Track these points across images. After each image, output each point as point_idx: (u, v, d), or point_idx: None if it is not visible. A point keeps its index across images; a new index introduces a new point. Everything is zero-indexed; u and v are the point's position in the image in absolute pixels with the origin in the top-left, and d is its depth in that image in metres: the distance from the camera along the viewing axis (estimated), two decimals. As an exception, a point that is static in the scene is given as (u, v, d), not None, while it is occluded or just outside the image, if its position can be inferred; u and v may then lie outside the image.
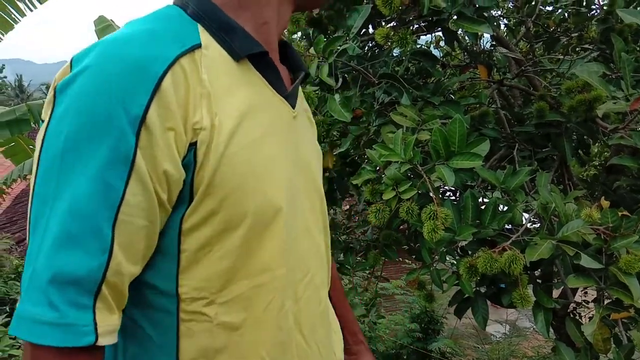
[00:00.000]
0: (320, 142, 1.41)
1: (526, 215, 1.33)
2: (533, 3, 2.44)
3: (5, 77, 29.07)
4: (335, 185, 1.50)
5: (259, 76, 0.62)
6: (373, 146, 1.11)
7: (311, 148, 0.74)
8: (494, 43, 1.85)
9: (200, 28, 0.58)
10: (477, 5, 1.10)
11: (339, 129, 1.39)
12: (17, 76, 29.03)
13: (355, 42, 1.14)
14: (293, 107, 0.67)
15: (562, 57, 2.65)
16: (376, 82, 1.23)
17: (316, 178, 0.73)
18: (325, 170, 1.48)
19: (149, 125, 0.49)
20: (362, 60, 1.38)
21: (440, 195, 1.71)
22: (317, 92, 1.33)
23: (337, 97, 1.20)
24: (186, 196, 0.54)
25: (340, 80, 1.30)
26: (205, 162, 0.53)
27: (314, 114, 1.34)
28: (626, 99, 1.23)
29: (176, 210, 0.54)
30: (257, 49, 0.60)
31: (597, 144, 2.64)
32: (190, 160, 0.53)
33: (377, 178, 1.13)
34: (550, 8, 2.59)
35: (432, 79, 1.45)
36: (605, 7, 1.81)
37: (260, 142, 0.58)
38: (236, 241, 0.56)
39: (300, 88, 0.74)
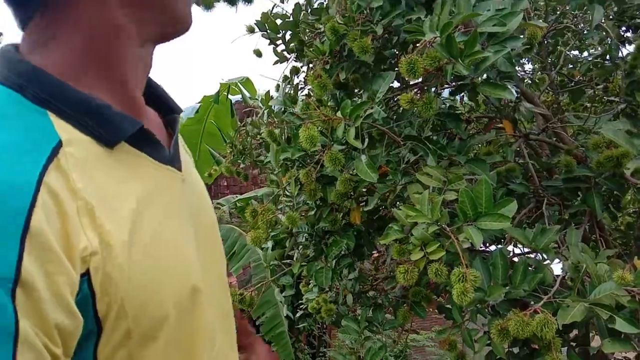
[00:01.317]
0: (347, 198, 1.44)
1: (557, 269, 1.31)
2: (557, 51, 2.47)
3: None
4: (363, 241, 1.51)
5: (137, 153, 0.52)
6: (400, 206, 1.13)
7: (204, 201, 0.66)
8: (518, 97, 1.88)
9: (51, 116, 0.45)
10: (499, 69, 1.13)
11: (366, 186, 1.42)
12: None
13: (380, 106, 1.19)
14: (180, 169, 0.58)
15: (588, 105, 2.64)
16: (401, 142, 1.26)
17: (216, 233, 0.67)
18: (352, 225, 1.50)
19: (26, 282, 0.38)
20: (387, 120, 1.42)
21: (469, 249, 1.70)
22: (343, 151, 1.37)
23: (363, 157, 1.24)
24: (93, 329, 0.45)
25: (367, 140, 1.34)
26: (107, 285, 0.44)
27: (340, 171, 1.38)
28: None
29: (85, 344, 0.44)
30: (134, 128, 0.50)
31: (630, 192, 2.60)
32: (85, 293, 0.43)
33: (404, 238, 1.14)
34: (575, 52, 2.60)
35: (457, 136, 1.47)
36: (629, 61, 1.82)
37: (161, 233, 0.50)
38: (161, 345, 0.49)
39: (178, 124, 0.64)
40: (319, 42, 1.51)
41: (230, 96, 4.22)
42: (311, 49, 1.49)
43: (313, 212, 1.46)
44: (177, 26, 0.56)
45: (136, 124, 0.51)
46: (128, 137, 0.50)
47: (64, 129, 0.45)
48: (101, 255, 0.44)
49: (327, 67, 1.41)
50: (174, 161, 0.57)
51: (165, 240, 0.51)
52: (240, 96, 4.14)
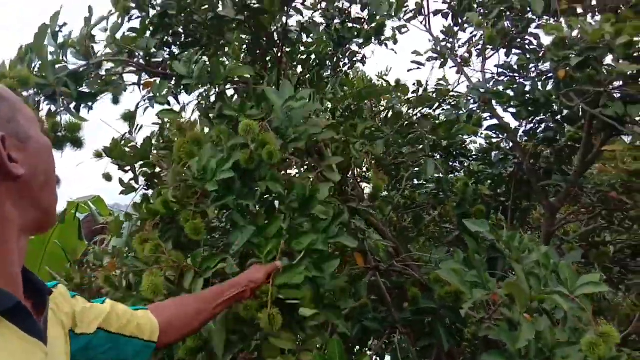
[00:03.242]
0: (198, 353, 1.32)
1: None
2: (400, 176, 2.72)
3: None
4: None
5: (9, 325, 0.61)
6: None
7: None
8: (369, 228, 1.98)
9: None
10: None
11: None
12: None
13: (235, 259, 1.15)
14: (46, 343, 0.67)
15: (429, 226, 2.88)
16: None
17: None
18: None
19: None
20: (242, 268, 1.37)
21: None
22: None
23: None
24: None
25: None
26: None
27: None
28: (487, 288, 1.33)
29: None
30: (11, 303, 0.60)
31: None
32: None
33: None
34: (416, 181, 2.89)
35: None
36: (459, 194, 2.05)
37: None
38: None
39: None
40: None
41: (79, 214, 3.88)
42: (144, 210, 1.44)
43: (158, 371, 1.30)
44: (46, 220, 0.72)
45: (13, 300, 0.60)
46: (4, 310, 0.59)
47: None
48: None
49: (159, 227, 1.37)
50: (42, 335, 0.66)
51: None
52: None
